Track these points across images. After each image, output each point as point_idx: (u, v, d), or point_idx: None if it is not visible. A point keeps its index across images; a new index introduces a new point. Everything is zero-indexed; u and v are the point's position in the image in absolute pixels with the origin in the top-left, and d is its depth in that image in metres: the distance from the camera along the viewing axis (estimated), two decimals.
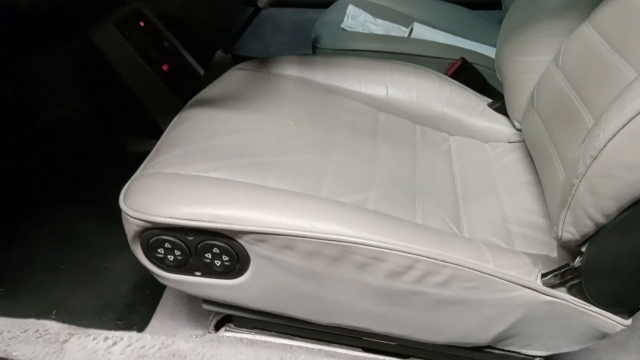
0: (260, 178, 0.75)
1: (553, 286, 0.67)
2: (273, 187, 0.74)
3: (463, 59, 1.28)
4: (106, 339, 0.83)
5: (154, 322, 0.94)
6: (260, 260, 0.69)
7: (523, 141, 1.06)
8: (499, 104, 1.10)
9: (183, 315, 0.95)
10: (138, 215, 0.67)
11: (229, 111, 0.91)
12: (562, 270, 0.67)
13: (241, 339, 0.87)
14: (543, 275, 0.68)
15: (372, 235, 0.64)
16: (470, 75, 1.27)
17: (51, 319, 0.87)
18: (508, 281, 0.65)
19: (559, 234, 0.64)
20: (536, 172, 0.95)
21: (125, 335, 0.84)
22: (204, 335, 0.90)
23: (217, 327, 0.91)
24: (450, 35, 1.39)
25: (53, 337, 0.82)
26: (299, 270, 0.68)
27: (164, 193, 0.69)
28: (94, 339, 0.82)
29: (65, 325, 0.85)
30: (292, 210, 0.66)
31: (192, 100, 0.96)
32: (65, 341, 0.80)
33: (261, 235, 0.65)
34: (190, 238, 0.68)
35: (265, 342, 0.87)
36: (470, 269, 0.64)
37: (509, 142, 1.08)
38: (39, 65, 1.37)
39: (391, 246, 0.64)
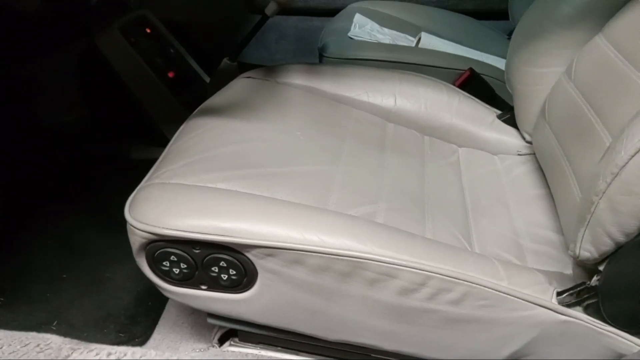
0: (267, 189, 0.74)
1: (569, 305, 0.65)
2: (280, 198, 0.72)
3: (471, 69, 1.26)
4: (109, 354, 0.81)
5: (156, 335, 0.92)
6: (268, 275, 0.67)
7: (533, 154, 1.05)
8: (508, 116, 1.09)
9: (186, 328, 0.93)
10: (144, 228, 0.65)
11: (235, 120, 0.90)
12: (578, 289, 0.65)
13: (246, 354, 0.85)
14: (558, 294, 0.66)
15: (384, 251, 0.62)
16: (478, 86, 1.26)
17: (52, 331, 0.85)
18: (523, 300, 0.63)
19: (577, 253, 0.62)
20: (547, 186, 0.94)
21: (128, 351, 0.82)
22: (208, 349, 0.88)
23: (221, 341, 0.89)
24: (458, 45, 1.38)
25: (55, 352, 0.79)
26: (307, 286, 0.66)
27: (171, 204, 0.67)
28: (97, 354, 0.80)
29: (67, 340, 0.83)
30: (302, 223, 0.64)
31: (199, 109, 0.95)
32: (67, 357, 0.78)
33: (270, 250, 0.64)
34: (197, 251, 0.67)
35: (270, 357, 0.85)
36: (484, 286, 0.63)
37: (519, 155, 1.06)
38: (43, 70, 1.36)
39: (403, 262, 0.62)
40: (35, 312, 0.93)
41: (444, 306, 0.64)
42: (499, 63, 1.36)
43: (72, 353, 0.79)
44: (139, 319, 0.95)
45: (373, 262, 0.62)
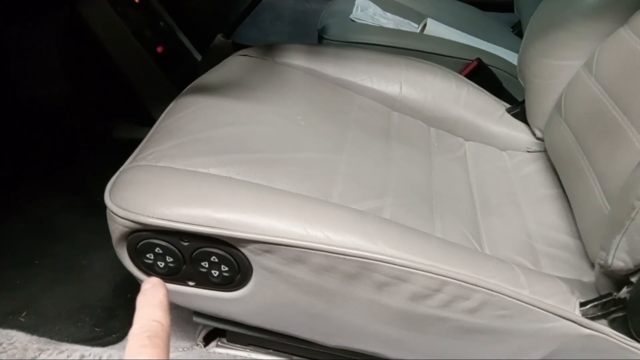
0: (266, 177, 0.67)
1: (593, 318, 0.60)
2: (280, 188, 0.65)
3: (479, 59, 1.20)
4: (82, 357, 0.72)
5: None
6: (264, 273, 0.60)
7: (543, 151, 0.99)
8: (518, 110, 1.03)
9: None
10: (126, 215, 0.58)
11: (231, 100, 0.82)
12: (604, 300, 0.59)
13: (234, 356, 0.78)
14: (581, 305, 0.60)
15: (397, 252, 0.56)
16: (485, 77, 1.20)
17: (18, 325, 0.77)
18: (545, 311, 0.58)
19: (609, 262, 0.56)
20: (560, 186, 0.88)
21: (104, 353, 0.74)
22: (192, 348, 0.81)
23: (206, 340, 0.82)
24: (464, 34, 1.32)
25: (19, 352, 0.71)
26: (307, 287, 0.60)
27: (157, 190, 0.60)
28: (68, 356, 0.72)
29: (35, 338, 0.74)
30: (305, 217, 0.58)
31: (191, 86, 0.87)
32: (34, 358, 0.70)
33: (269, 246, 0.57)
34: (185, 244, 0.60)
35: None
36: (504, 295, 0.57)
37: (528, 151, 1.01)
38: (22, 39, 1.26)
39: (418, 265, 0.55)
40: (2, 301, 0.84)
41: (458, 315, 0.58)
42: (506, 55, 1.31)
43: (39, 354, 0.71)
44: (117, 312, 0.87)
45: (384, 263, 0.56)
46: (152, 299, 0.28)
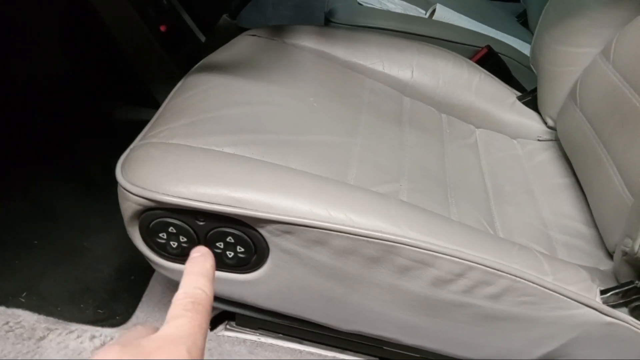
0: (282, 158, 0.65)
1: (613, 306, 0.59)
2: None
3: (489, 46, 1.19)
4: (92, 337, 0.70)
5: (139, 313, 0.82)
6: (281, 255, 0.58)
7: (554, 140, 0.98)
8: (530, 98, 1.02)
9: None
10: (140, 192, 0.56)
11: (241, 80, 0.80)
12: (625, 288, 0.59)
13: (244, 340, 0.76)
14: (602, 293, 0.59)
15: (422, 236, 0.54)
16: (495, 65, 1.19)
17: (21, 305, 0.74)
18: (569, 298, 0.57)
19: (636, 248, 0.55)
20: (573, 175, 0.88)
21: (115, 334, 0.72)
22: None
23: (213, 324, 0.80)
24: (473, 21, 1.30)
25: (27, 332, 0.68)
26: (327, 270, 0.58)
27: (173, 167, 0.58)
28: (78, 337, 0.69)
29: (42, 317, 0.71)
30: (327, 199, 0.56)
31: (200, 64, 0.84)
32: (41, 338, 0.67)
33: (289, 226, 0.55)
34: (201, 223, 0.58)
35: (271, 344, 0.76)
36: (529, 281, 0.56)
37: (539, 140, 1.00)
38: (18, 14, 1.22)
39: (443, 250, 0.54)
40: (1, 281, 0.82)
41: (480, 300, 0.57)
42: (515, 43, 1.29)
43: (48, 334, 0.68)
44: (120, 294, 0.85)
45: (408, 247, 0.54)
46: (200, 267, 0.28)
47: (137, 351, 0.22)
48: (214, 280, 0.28)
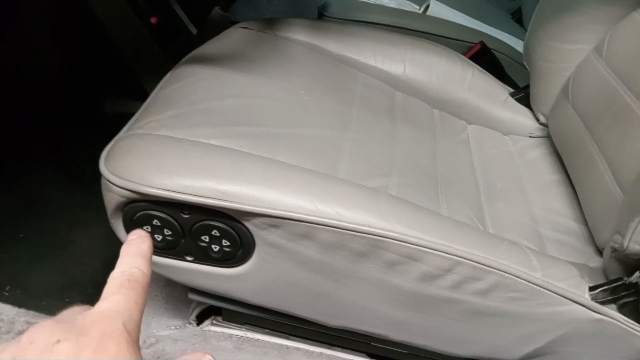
0: (270, 152, 0.64)
1: (602, 303, 0.58)
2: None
3: (482, 42, 1.18)
4: None
5: None
6: (268, 249, 0.57)
7: (546, 137, 0.98)
8: (522, 95, 1.01)
9: (159, 301, 0.83)
10: (123, 184, 0.55)
11: (232, 72, 0.79)
12: (614, 285, 0.58)
13: (230, 335, 0.75)
14: (590, 289, 0.59)
15: (410, 231, 0.54)
16: (488, 61, 1.18)
17: (4, 298, 0.73)
18: (557, 294, 0.56)
19: (625, 245, 0.55)
20: (564, 172, 0.87)
21: None
22: (184, 327, 0.78)
23: (199, 319, 0.79)
24: (467, 17, 1.29)
25: (6, 325, 0.67)
26: (314, 264, 0.57)
27: (157, 159, 0.57)
28: None
29: (22, 311, 0.70)
30: (315, 192, 0.55)
31: (190, 55, 0.83)
32: (21, 332, 0.67)
33: (275, 220, 0.54)
34: (186, 216, 0.57)
35: (258, 340, 0.75)
36: (517, 277, 0.55)
37: (530, 137, 0.99)
38: (7, 5, 1.20)
39: (432, 244, 0.53)
40: None
41: (468, 296, 0.57)
42: (509, 40, 1.29)
43: (27, 327, 0.67)
44: None
45: (396, 242, 0.53)
46: (136, 248, 0.28)
47: (72, 326, 0.22)
48: (151, 260, 0.27)
